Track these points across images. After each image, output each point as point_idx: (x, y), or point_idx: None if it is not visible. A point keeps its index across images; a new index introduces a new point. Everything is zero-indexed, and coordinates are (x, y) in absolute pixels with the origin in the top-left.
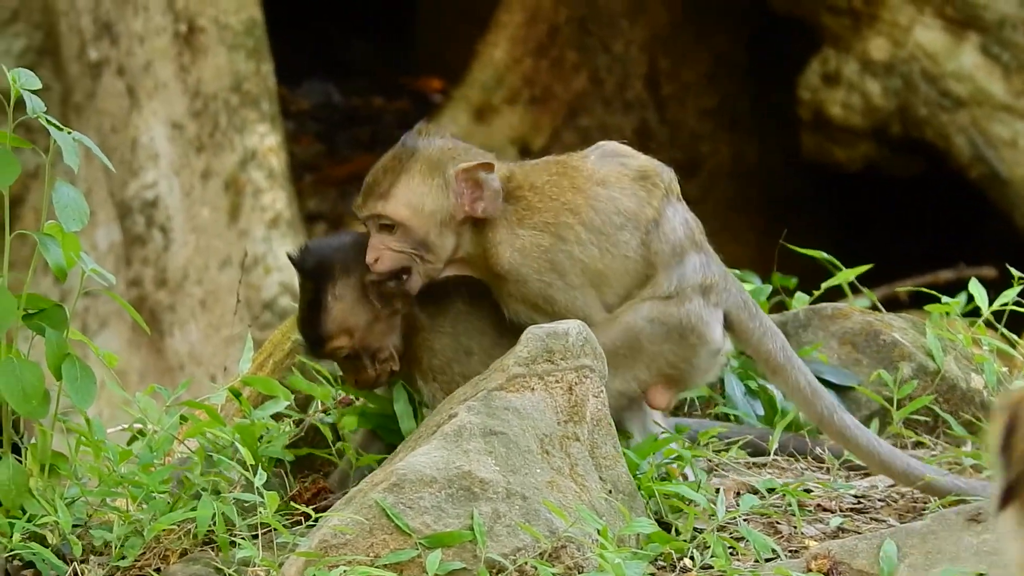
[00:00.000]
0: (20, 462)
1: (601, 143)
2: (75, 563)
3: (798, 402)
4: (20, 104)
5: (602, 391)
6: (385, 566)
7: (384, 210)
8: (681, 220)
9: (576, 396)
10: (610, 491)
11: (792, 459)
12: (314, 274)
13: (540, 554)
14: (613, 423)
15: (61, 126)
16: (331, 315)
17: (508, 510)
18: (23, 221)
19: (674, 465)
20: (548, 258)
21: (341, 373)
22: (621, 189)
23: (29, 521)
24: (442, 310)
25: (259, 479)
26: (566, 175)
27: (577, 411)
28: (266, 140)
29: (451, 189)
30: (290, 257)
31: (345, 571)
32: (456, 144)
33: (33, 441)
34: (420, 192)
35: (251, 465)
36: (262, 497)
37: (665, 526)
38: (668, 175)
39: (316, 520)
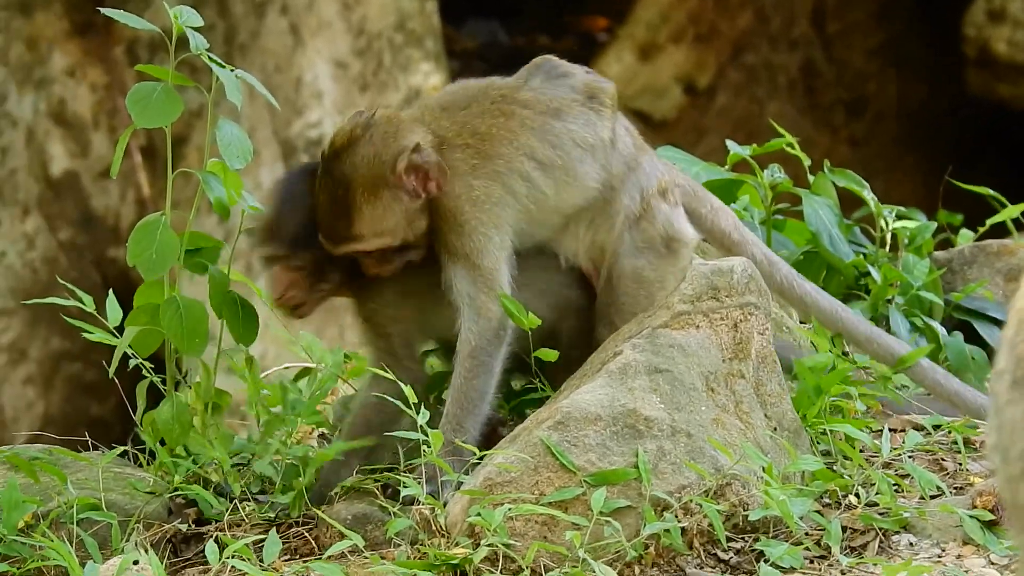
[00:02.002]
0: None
1: (537, 60)
2: (235, 501)
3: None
4: (183, 43)
5: (767, 328)
6: (550, 504)
7: (359, 247)
8: (625, 130)
9: (741, 333)
10: (775, 428)
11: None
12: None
13: (705, 492)
14: (778, 360)
15: (224, 64)
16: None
17: (673, 448)
18: (186, 160)
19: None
20: (496, 212)
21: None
22: (574, 118)
23: (192, 460)
24: None
25: (423, 417)
26: (514, 115)
27: (742, 348)
28: (430, 79)
29: (401, 190)
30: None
31: (510, 509)
32: (369, 131)
33: (197, 380)
34: (379, 215)
35: (414, 404)
36: (426, 435)
37: (830, 463)
38: (611, 88)
39: (481, 459)
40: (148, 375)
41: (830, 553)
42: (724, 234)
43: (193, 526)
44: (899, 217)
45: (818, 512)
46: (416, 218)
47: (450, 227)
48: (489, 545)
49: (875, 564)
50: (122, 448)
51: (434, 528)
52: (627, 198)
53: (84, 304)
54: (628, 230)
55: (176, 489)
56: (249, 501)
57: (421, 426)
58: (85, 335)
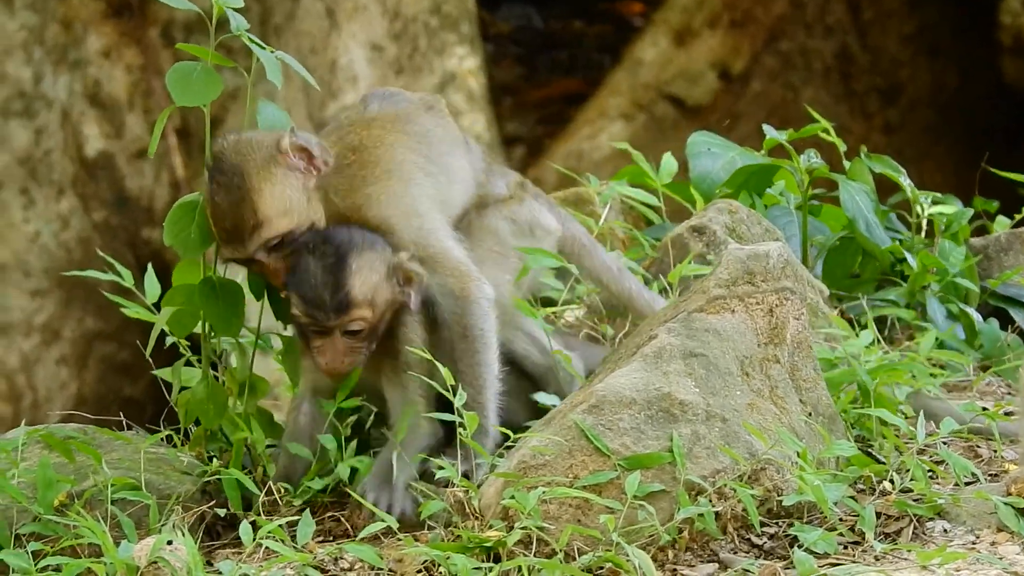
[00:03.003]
0: (219, 381)
1: (366, 94)
2: (270, 483)
3: (607, 280)
4: (220, 25)
5: (803, 313)
6: (584, 487)
7: (269, 233)
8: (471, 137)
9: (777, 318)
10: (810, 413)
11: (993, 383)
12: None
13: (739, 476)
14: (813, 346)
15: (264, 44)
16: (359, 284)
17: (708, 432)
18: None
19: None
20: (408, 201)
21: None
22: (424, 121)
23: (227, 443)
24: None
25: (458, 399)
26: (373, 125)
27: (778, 333)
28: (465, 63)
29: (290, 170)
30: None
31: (544, 492)
32: (240, 135)
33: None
34: (279, 192)
35: (451, 386)
36: (461, 417)
37: (865, 449)
38: (443, 101)
39: (514, 441)
40: (185, 352)
41: (864, 539)
42: (574, 237)
43: (231, 509)
44: (935, 203)
45: (852, 498)
46: (313, 198)
47: (382, 234)
48: (523, 528)
49: (909, 550)
50: (165, 432)
51: (468, 511)
52: (494, 188)
53: (123, 279)
54: (494, 206)
55: (213, 474)
56: (284, 483)
57: (457, 408)
58: (123, 311)
